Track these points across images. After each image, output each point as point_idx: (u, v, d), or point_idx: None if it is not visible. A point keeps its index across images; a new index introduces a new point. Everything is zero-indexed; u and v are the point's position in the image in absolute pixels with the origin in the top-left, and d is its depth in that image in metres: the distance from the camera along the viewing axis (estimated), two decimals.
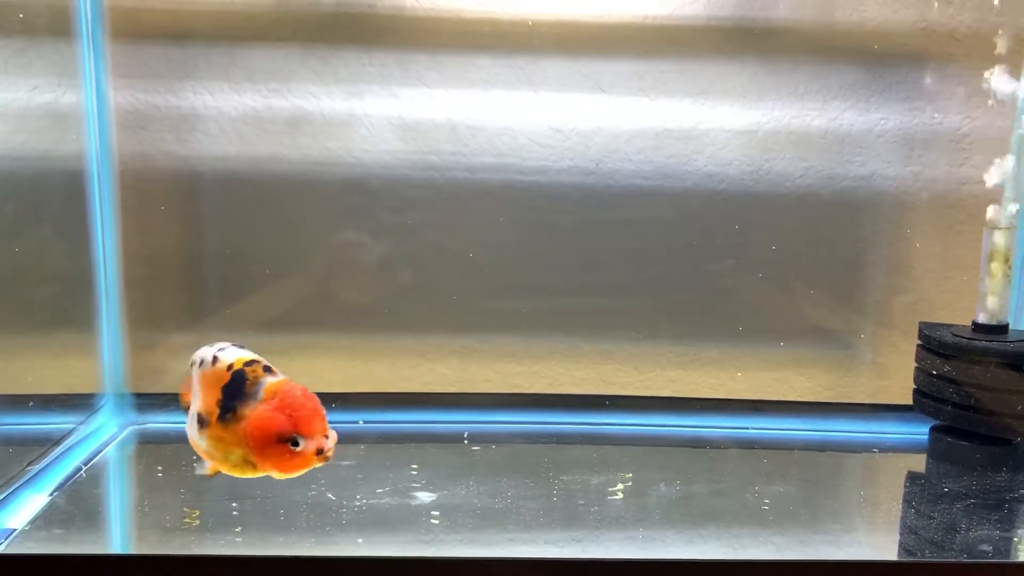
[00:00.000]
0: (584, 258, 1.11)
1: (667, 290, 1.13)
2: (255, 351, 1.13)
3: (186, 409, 0.72)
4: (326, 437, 0.66)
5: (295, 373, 1.14)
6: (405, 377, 1.14)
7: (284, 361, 1.14)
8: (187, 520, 0.81)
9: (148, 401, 1.09)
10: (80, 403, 1.03)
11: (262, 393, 0.66)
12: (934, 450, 1.01)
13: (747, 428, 1.11)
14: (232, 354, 0.69)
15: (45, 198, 0.97)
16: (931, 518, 0.85)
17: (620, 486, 0.91)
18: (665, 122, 1.09)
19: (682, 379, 1.15)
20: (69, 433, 0.97)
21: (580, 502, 0.87)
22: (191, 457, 0.96)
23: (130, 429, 1.05)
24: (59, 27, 0.99)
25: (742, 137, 1.10)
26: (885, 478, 1.03)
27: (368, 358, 1.14)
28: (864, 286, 1.13)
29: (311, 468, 0.65)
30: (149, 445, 1.03)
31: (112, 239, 1.07)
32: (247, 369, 0.67)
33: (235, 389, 0.66)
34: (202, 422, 0.68)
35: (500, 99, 1.08)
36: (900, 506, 0.91)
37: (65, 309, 1.02)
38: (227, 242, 1.09)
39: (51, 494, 0.86)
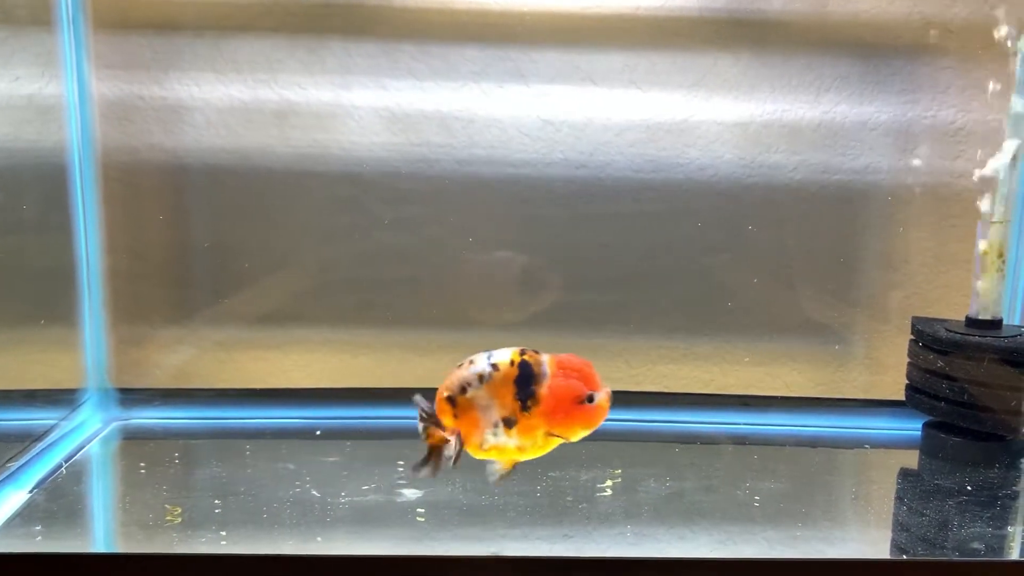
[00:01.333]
0: (575, 252, 1.11)
1: (658, 284, 1.12)
2: (245, 345, 1.13)
3: (437, 444, 0.75)
4: (605, 385, 0.74)
5: (283, 368, 1.15)
6: (394, 372, 1.13)
7: (273, 355, 1.14)
8: (169, 518, 0.80)
9: (133, 396, 1.08)
10: (63, 398, 1.02)
11: (548, 368, 0.72)
12: (927, 446, 1.01)
13: (738, 424, 1.11)
14: (501, 355, 0.74)
15: (26, 191, 0.96)
16: (923, 515, 0.85)
17: (609, 482, 0.90)
18: (657, 115, 1.08)
19: (673, 374, 1.14)
20: (51, 429, 0.96)
21: (568, 498, 0.86)
22: (176, 454, 0.96)
23: (114, 425, 1.04)
24: (40, 17, 0.98)
25: (735, 130, 1.09)
26: (877, 474, 1.02)
27: (357, 352, 1.13)
28: (857, 280, 1.12)
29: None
30: (133, 441, 1.02)
31: (95, 232, 1.05)
32: (525, 357, 0.73)
33: (527, 377, 0.72)
34: (509, 423, 0.73)
35: (490, 91, 1.07)
36: (892, 503, 0.90)
37: (47, 303, 1.01)
38: (214, 235, 1.08)
39: (31, 491, 0.84)
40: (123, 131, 1.05)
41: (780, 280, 1.12)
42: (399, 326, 1.12)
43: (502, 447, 0.74)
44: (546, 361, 0.73)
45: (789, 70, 1.08)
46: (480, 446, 0.75)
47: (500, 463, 0.75)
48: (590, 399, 0.72)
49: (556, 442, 0.74)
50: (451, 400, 0.74)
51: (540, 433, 0.73)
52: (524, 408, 0.72)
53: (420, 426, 0.75)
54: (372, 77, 1.06)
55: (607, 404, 0.73)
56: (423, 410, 0.75)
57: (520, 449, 0.74)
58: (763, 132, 1.09)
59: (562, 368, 0.73)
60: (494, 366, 0.73)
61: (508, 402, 0.72)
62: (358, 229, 1.09)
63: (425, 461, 0.74)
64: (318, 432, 1.03)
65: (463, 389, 0.73)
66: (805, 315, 1.13)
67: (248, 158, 1.07)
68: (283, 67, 1.06)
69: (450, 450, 0.74)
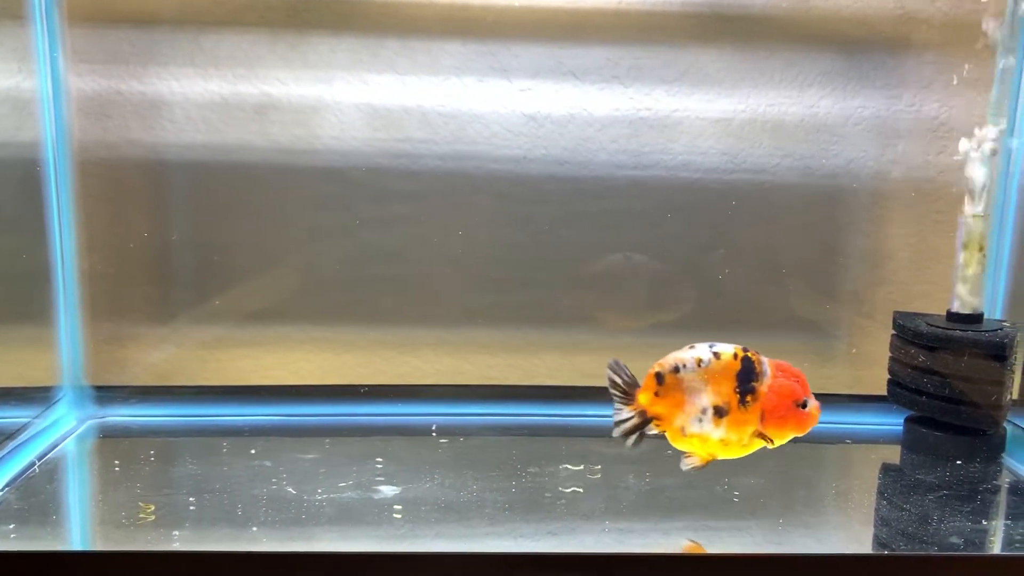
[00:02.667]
0: (559, 248, 1.10)
1: (643, 280, 1.12)
2: (229, 343, 1.12)
3: (641, 421, 0.77)
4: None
5: (267, 365, 1.14)
6: (379, 370, 1.12)
7: (257, 353, 1.13)
8: (143, 515, 0.79)
9: (110, 394, 1.07)
10: (36, 396, 1.01)
11: (769, 369, 0.75)
12: (908, 441, 1.01)
13: None
14: (724, 347, 0.76)
15: (0, 187, 0.94)
16: (904, 509, 0.84)
17: (590, 478, 0.89)
18: (640, 110, 1.08)
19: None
20: (24, 427, 0.95)
21: (547, 494, 0.85)
22: (152, 451, 0.95)
23: (89, 423, 1.03)
24: (12, 10, 0.97)
25: (718, 125, 1.08)
26: (859, 469, 1.02)
27: (341, 350, 1.12)
28: (841, 276, 1.12)
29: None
30: (109, 439, 1.01)
31: (70, 229, 1.04)
32: (748, 354, 0.75)
33: (749, 373, 0.74)
34: (720, 412, 0.75)
35: (472, 86, 1.06)
36: (874, 497, 0.90)
37: (21, 301, 1.00)
38: (194, 232, 1.07)
39: (1, 489, 0.83)
40: (101, 126, 1.04)
41: (763, 276, 1.11)
42: (382, 324, 1.11)
43: (705, 437, 0.75)
44: (766, 362, 0.75)
45: (772, 65, 1.08)
46: (682, 431, 0.76)
47: (697, 457, 0.77)
48: (803, 404, 0.75)
49: (759, 444, 0.76)
50: (659, 377, 0.76)
51: (749, 430, 0.75)
52: (742, 402, 0.74)
53: (614, 394, 0.77)
54: (353, 72, 1.05)
55: (818, 413, 0.76)
56: (620, 376, 0.77)
57: (724, 443, 0.75)
58: (746, 127, 1.09)
59: (781, 371, 0.75)
60: (716, 354, 0.75)
61: (725, 392, 0.74)
62: (340, 225, 1.08)
63: (635, 429, 0.76)
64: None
65: (676, 369, 0.75)
66: (789, 311, 1.13)
67: (228, 154, 1.06)
68: (264, 62, 1.05)
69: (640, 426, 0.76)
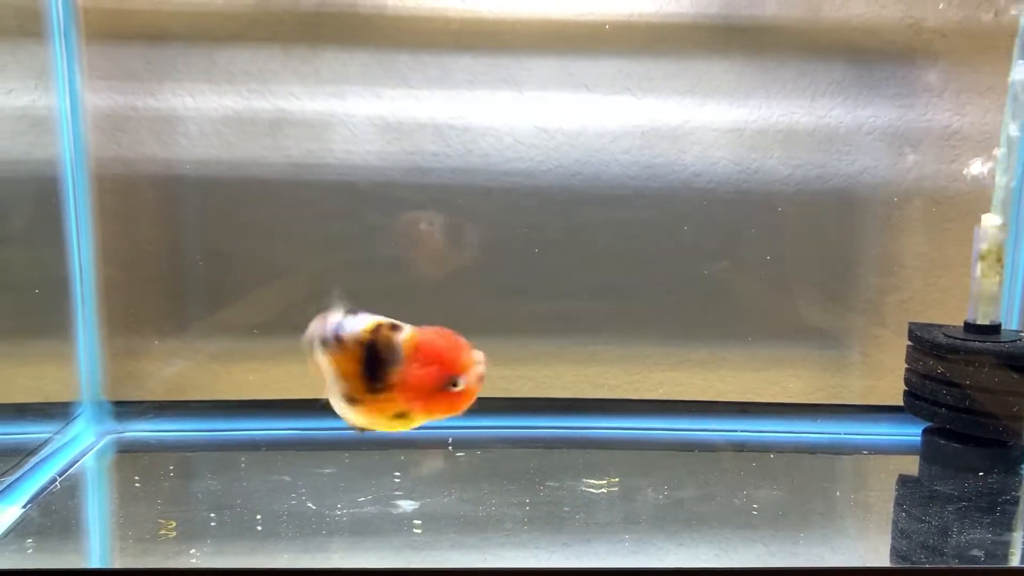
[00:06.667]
0: (570, 259, 1.10)
1: (655, 291, 1.12)
2: (240, 356, 1.12)
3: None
4: (477, 363, 0.66)
5: (279, 378, 1.14)
6: None
7: (267, 366, 1.14)
8: (163, 532, 0.79)
9: (127, 409, 1.07)
10: (56, 412, 1.01)
11: (402, 353, 0.65)
12: (927, 452, 1.00)
13: (736, 430, 1.10)
14: (354, 326, 0.67)
15: (18, 203, 0.95)
16: (923, 521, 0.84)
17: (607, 491, 0.89)
18: (651, 121, 1.08)
19: (671, 381, 1.14)
20: (45, 443, 0.95)
21: (566, 508, 0.85)
22: (171, 467, 0.95)
23: (108, 438, 1.03)
24: (31, 28, 0.97)
25: (729, 135, 1.08)
26: (877, 481, 1.02)
27: None
28: (854, 285, 1.12)
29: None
30: (128, 454, 1.01)
31: (88, 244, 1.05)
32: (376, 337, 0.66)
33: (374, 363, 0.66)
34: (352, 400, 0.67)
35: (484, 99, 1.07)
36: (892, 509, 0.90)
37: (40, 316, 1.01)
38: (209, 246, 1.08)
39: (24, 506, 0.84)
40: (117, 142, 1.05)
41: (777, 285, 1.11)
42: None
43: (346, 416, 0.69)
44: (400, 346, 0.65)
45: (783, 75, 1.08)
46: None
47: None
48: (454, 384, 0.65)
49: (410, 422, 0.68)
50: (311, 343, 0.69)
51: (393, 411, 0.67)
52: (372, 390, 0.66)
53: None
54: (366, 86, 1.06)
55: (475, 387, 0.66)
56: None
57: (370, 425, 0.69)
58: (758, 138, 1.09)
59: (422, 351, 0.66)
60: (338, 339, 0.67)
61: (354, 383, 0.67)
62: (353, 238, 1.09)
63: None
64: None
65: (319, 343, 0.68)
66: (802, 321, 1.12)
67: (242, 168, 1.06)
68: (277, 77, 1.05)
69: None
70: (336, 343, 0.67)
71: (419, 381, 0.65)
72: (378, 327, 0.67)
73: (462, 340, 0.68)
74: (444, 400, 0.66)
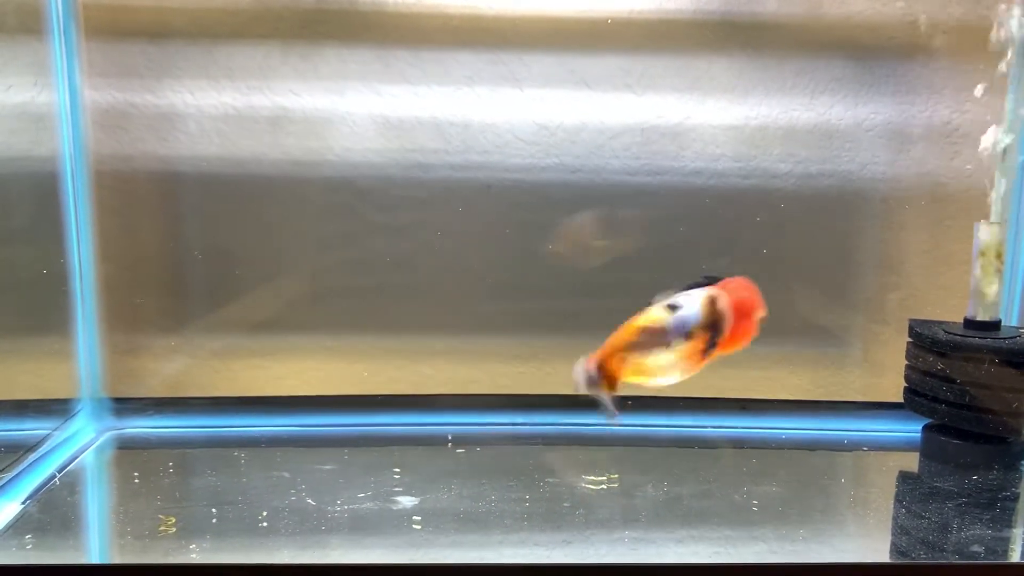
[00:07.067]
0: (571, 256, 1.10)
1: (655, 288, 1.11)
2: (240, 353, 1.11)
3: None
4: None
5: (279, 375, 1.14)
6: (392, 379, 1.12)
7: (269, 363, 1.14)
8: (163, 528, 0.79)
9: (127, 406, 1.07)
10: (56, 408, 1.01)
11: (731, 318, 0.76)
12: (927, 449, 1.00)
13: (736, 427, 1.10)
14: (691, 312, 0.75)
15: (18, 200, 0.95)
16: (923, 518, 0.84)
17: (607, 487, 0.89)
18: (652, 118, 1.08)
19: None
20: (44, 439, 0.95)
21: (566, 504, 0.85)
22: (170, 463, 0.95)
23: (108, 434, 1.03)
24: (31, 25, 0.97)
25: (730, 132, 1.08)
26: (878, 477, 1.02)
27: (354, 360, 1.12)
28: (854, 282, 1.12)
29: None
30: (127, 451, 1.01)
31: (88, 241, 1.05)
32: (716, 318, 0.75)
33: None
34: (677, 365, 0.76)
35: (484, 96, 1.07)
36: (892, 505, 0.90)
37: (40, 313, 1.00)
38: (208, 243, 1.08)
39: (24, 503, 0.84)
40: (116, 139, 1.05)
41: (777, 282, 1.11)
42: (395, 333, 1.12)
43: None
44: (728, 309, 0.75)
45: (784, 72, 1.08)
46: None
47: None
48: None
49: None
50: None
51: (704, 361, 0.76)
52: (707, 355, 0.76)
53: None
54: (366, 83, 1.06)
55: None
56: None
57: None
58: (758, 135, 1.09)
59: (739, 310, 0.76)
60: (687, 334, 0.75)
61: (694, 355, 0.76)
62: (353, 235, 1.09)
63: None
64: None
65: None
66: (803, 318, 1.12)
67: (242, 165, 1.06)
68: (276, 74, 1.05)
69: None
70: (684, 338, 0.75)
71: (745, 332, 0.76)
72: (711, 309, 0.75)
73: (751, 283, 0.78)
74: (750, 331, 0.77)
